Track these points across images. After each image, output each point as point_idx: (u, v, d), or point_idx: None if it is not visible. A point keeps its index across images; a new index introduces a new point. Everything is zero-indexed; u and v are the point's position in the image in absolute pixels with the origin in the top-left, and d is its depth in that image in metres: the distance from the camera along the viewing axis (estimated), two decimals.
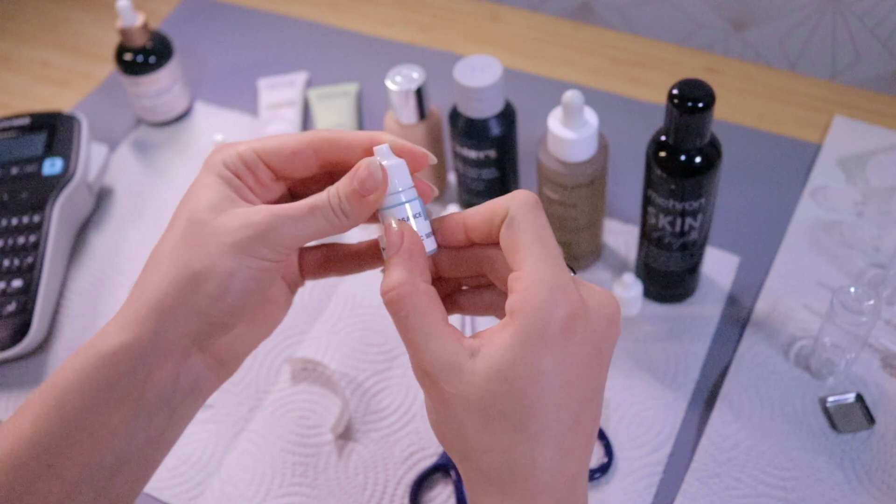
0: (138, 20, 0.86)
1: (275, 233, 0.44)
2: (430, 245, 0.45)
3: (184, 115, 0.93)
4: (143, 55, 0.87)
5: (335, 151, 0.48)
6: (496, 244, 0.45)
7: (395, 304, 0.43)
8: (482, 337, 0.42)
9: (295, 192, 0.51)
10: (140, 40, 0.86)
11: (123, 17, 0.85)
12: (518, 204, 0.44)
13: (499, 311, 0.49)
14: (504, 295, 0.44)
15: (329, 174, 0.50)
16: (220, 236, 0.45)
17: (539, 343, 0.40)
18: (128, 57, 0.87)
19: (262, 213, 0.45)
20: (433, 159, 0.47)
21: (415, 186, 0.46)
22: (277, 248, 0.45)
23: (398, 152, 0.46)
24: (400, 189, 0.44)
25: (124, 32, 0.86)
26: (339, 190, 0.45)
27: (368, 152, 0.47)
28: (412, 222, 0.45)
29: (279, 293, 0.51)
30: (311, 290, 0.76)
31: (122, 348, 0.45)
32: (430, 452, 0.66)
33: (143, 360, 0.45)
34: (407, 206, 0.45)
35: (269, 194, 0.50)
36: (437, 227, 0.46)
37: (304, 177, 0.50)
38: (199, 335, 0.46)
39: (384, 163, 0.44)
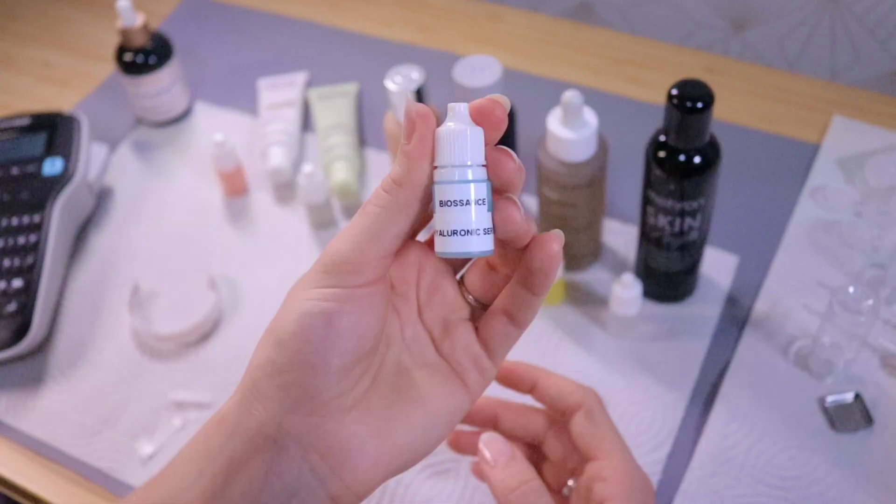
0: (138, 20, 0.86)
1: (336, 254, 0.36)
2: (486, 245, 0.36)
3: (184, 115, 0.93)
4: (143, 55, 0.87)
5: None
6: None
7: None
8: None
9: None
10: (140, 40, 0.87)
11: (123, 17, 0.85)
12: (594, 399, 0.52)
13: (534, 436, 0.55)
14: (544, 426, 0.54)
15: None
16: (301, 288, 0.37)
17: None
18: (128, 57, 0.87)
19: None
20: (506, 105, 0.38)
21: (488, 165, 0.37)
22: (348, 269, 0.36)
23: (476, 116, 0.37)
24: (469, 163, 0.36)
25: (124, 33, 0.86)
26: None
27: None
28: (472, 209, 0.36)
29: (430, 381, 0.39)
30: None
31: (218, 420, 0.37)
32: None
33: (231, 439, 0.36)
34: (472, 186, 0.36)
35: None
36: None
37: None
38: (282, 407, 0.35)
39: (451, 126, 0.36)
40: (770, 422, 0.65)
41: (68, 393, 0.72)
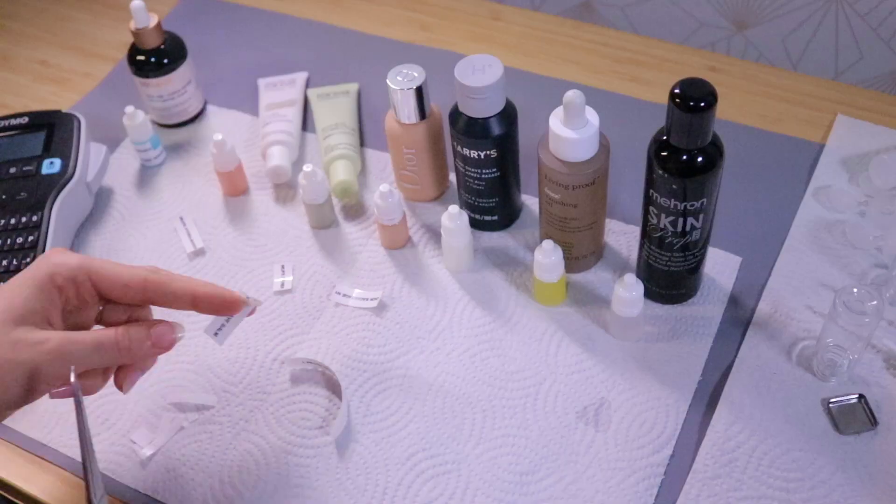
0: (152, 21, 0.85)
1: (55, 364, 0.53)
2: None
3: (198, 117, 0.92)
4: (156, 56, 0.86)
5: (161, 296, 0.57)
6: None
7: None
8: None
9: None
10: (154, 41, 0.86)
11: (137, 18, 0.84)
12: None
13: None
14: None
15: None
16: (8, 353, 0.52)
17: None
18: (141, 58, 0.86)
19: (51, 342, 0.53)
20: (249, 304, 0.59)
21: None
22: (56, 378, 0.54)
23: (212, 304, 0.58)
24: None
25: (138, 34, 0.85)
26: (130, 335, 0.56)
27: (191, 304, 0.57)
28: None
29: None
30: (311, 290, 0.76)
31: None
32: (430, 453, 0.65)
33: None
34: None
35: (83, 313, 0.59)
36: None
37: (125, 304, 0.58)
38: None
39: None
40: (773, 423, 0.65)
41: None
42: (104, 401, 0.71)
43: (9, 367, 0.52)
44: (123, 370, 0.59)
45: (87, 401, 0.71)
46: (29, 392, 0.54)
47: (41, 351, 0.53)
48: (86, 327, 0.60)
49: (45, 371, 0.53)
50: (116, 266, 0.57)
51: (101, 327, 0.59)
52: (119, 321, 0.59)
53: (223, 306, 0.59)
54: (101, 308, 0.60)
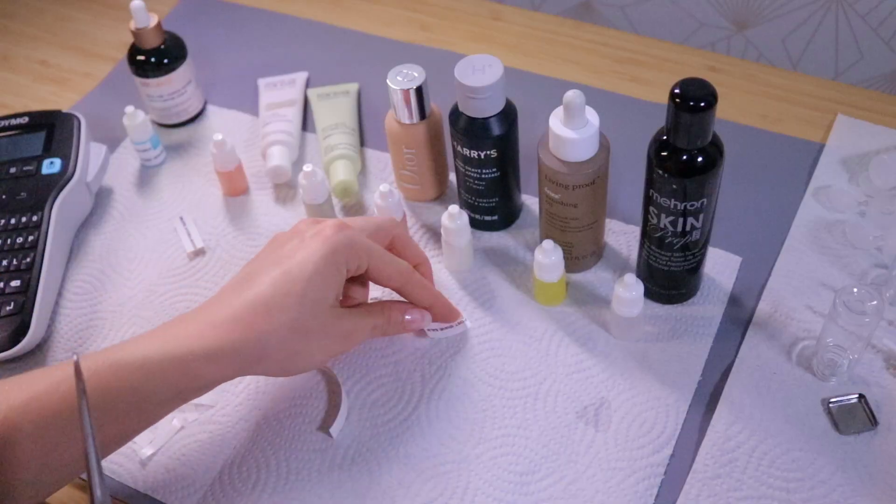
0: (153, 21, 0.85)
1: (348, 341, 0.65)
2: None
3: (198, 117, 0.92)
4: (156, 56, 0.86)
5: (408, 297, 0.68)
6: None
7: None
8: None
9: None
10: (154, 41, 0.86)
11: (137, 17, 0.84)
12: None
13: None
14: None
15: None
16: (322, 339, 0.63)
17: None
18: (141, 58, 0.86)
19: (356, 328, 0.65)
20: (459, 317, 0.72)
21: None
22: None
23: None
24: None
25: (138, 34, 0.85)
26: (392, 319, 0.67)
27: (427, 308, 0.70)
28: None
29: None
30: None
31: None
32: (430, 453, 0.65)
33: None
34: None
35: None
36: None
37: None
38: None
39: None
40: (773, 423, 0.65)
41: None
42: None
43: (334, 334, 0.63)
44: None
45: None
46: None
47: (350, 334, 0.65)
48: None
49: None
50: (386, 259, 0.65)
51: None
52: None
53: (448, 316, 0.71)
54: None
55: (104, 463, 0.67)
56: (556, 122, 0.66)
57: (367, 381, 0.70)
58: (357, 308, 0.66)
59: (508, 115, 0.71)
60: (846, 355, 0.65)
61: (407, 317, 0.68)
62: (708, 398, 0.67)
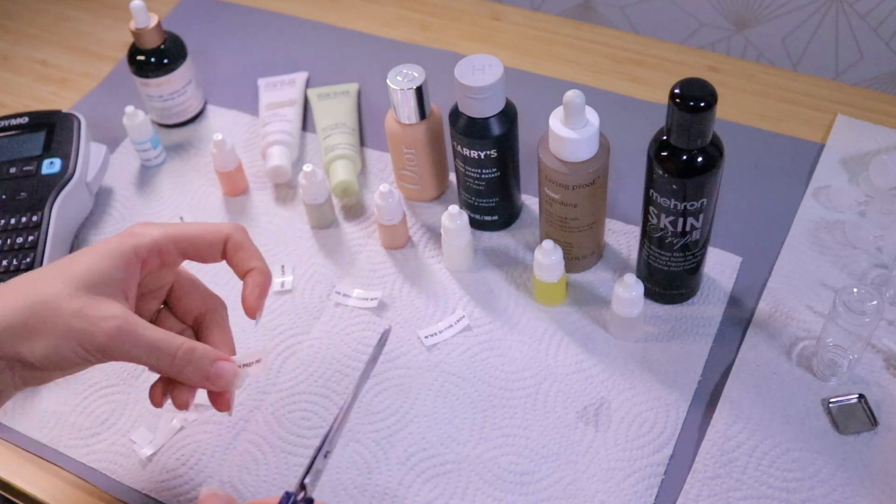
0: (153, 21, 0.85)
1: (109, 345, 0.53)
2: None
3: (198, 117, 0.92)
4: (156, 56, 0.86)
5: (239, 254, 0.59)
6: None
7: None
8: None
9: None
10: (154, 41, 0.86)
11: (137, 17, 0.84)
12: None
13: None
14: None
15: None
16: (68, 317, 0.52)
17: None
18: (141, 58, 0.86)
19: (112, 322, 0.53)
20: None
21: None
22: (113, 356, 0.53)
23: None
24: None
25: (137, 34, 0.85)
26: (194, 356, 0.54)
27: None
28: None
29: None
30: (311, 290, 0.76)
31: None
32: (430, 453, 0.65)
33: None
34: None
35: (164, 278, 0.60)
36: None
37: (210, 262, 0.59)
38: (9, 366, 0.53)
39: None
40: (773, 423, 0.65)
41: (67, 394, 0.71)
42: (104, 401, 0.71)
43: (63, 330, 0.52)
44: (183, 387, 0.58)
45: (87, 401, 0.71)
46: (86, 359, 0.53)
47: (100, 327, 0.52)
48: (162, 290, 0.61)
49: (103, 345, 0.53)
50: (198, 227, 0.59)
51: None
52: (186, 321, 0.62)
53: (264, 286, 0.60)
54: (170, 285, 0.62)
55: (97, 460, 0.67)
56: (556, 122, 0.66)
57: (367, 381, 0.70)
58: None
59: (508, 115, 0.71)
60: (846, 355, 0.65)
61: (212, 368, 0.56)
62: (708, 398, 0.67)
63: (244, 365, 0.57)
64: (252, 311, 0.59)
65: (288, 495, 0.52)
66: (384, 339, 0.61)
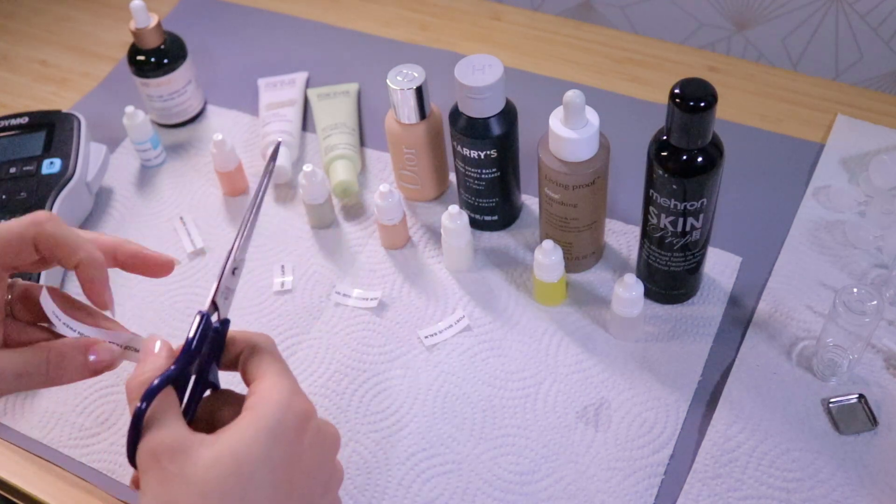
0: (153, 21, 0.85)
1: None
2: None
3: (198, 117, 0.92)
4: (156, 56, 0.86)
5: (57, 252, 0.50)
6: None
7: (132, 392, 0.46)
8: (217, 431, 0.44)
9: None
10: (154, 41, 0.86)
11: (137, 17, 0.84)
12: (264, 339, 0.50)
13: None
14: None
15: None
16: None
17: (273, 432, 0.43)
18: (141, 58, 0.86)
19: None
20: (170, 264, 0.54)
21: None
22: None
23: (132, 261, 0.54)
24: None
25: (138, 34, 0.85)
26: (62, 361, 0.48)
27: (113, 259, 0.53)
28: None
29: None
30: (311, 290, 0.76)
31: None
32: (430, 453, 0.65)
33: None
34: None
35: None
36: None
37: (25, 265, 0.52)
38: None
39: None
40: (773, 423, 0.65)
41: (67, 394, 0.71)
42: (104, 401, 0.71)
43: None
44: None
45: (87, 401, 0.71)
46: None
47: None
48: None
49: None
50: (2, 229, 0.50)
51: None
52: (26, 339, 0.52)
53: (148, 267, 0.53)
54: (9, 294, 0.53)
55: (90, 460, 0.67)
56: (556, 122, 0.66)
57: (366, 381, 0.70)
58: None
59: (508, 115, 0.71)
60: (846, 355, 0.65)
61: (91, 357, 0.49)
62: (708, 398, 0.67)
63: (125, 347, 0.51)
64: (103, 305, 0.52)
65: (202, 315, 0.48)
66: (275, 153, 0.56)
